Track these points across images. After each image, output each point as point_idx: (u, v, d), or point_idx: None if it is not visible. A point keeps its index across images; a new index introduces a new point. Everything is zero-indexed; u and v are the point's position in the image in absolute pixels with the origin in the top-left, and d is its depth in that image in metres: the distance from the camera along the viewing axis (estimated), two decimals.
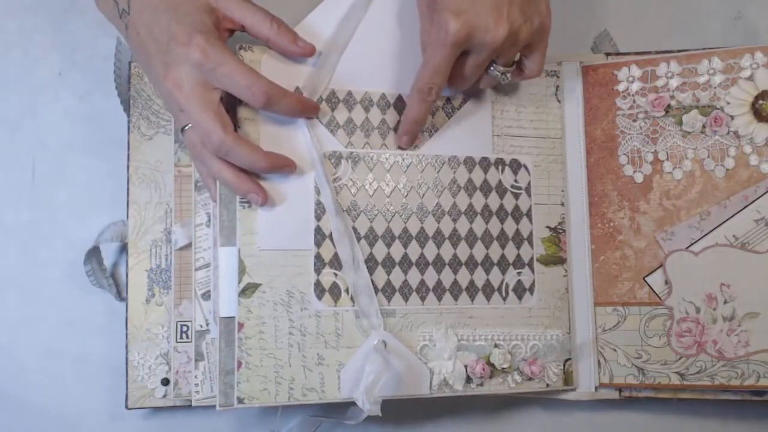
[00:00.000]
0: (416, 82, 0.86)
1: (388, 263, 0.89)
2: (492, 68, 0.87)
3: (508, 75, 0.88)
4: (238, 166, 0.83)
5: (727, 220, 0.92)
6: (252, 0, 0.85)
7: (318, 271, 0.87)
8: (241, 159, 0.82)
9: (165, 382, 0.93)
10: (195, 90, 0.80)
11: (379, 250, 0.89)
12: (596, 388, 0.95)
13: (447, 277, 0.91)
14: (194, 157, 0.84)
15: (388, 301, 0.88)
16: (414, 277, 0.90)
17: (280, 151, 0.86)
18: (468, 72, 0.86)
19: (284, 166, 0.85)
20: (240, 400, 0.84)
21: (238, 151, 0.81)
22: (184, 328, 0.92)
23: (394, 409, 0.94)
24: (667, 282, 0.93)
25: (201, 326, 0.90)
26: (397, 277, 0.89)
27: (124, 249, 0.96)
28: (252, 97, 0.81)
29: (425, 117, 0.88)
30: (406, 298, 0.89)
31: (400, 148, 0.91)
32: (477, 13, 0.80)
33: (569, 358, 0.94)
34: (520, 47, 0.85)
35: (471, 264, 0.91)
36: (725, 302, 0.91)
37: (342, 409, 0.90)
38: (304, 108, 0.86)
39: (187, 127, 0.81)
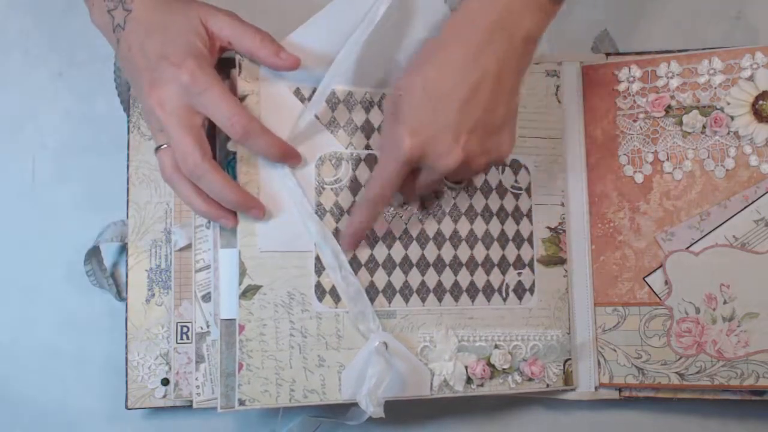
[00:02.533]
0: (367, 191, 0.85)
1: (389, 264, 0.89)
2: (444, 182, 0.89)
3: (457, 190, 0.90)
4: (207, 194, 0.82)
5: (727, 220, 0.92)
6: (240, 18, 0.85)
7: (319, 272, 0.87)
8: (212, 187, 0.81)
9: (165, 382, 0.93)
10: (177, 111, 0.79)
11: (380, 252, 0.89)
12: (596, 388, 0.95)
13: (447, 278, 0.91)
14: (165, 179, 0.83)
15: (389, 303, 0.88)
16: (414, 278, 0.90)
17: (277, 165, 0.87)
18: (419, 186, 0.86)
19: (252, 209, 0.84)
20: (241, 402, 0.84)
21: (211, 179, 0.80)
22: (185, 329, 0.91)
23: (395, 409, 0.94)
24: (666, 282, 0.93)
25: (201, 328, 0.90)
26: (397, 278, 0.89)
27: (124, 249, 0.96)
28: (231, 128, 0.80)
29: (371, 224, 0.88)
30: (406, 300, 0.89)
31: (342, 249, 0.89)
32: (434, 136, 0.79)
33: (569, 359, 0.94)
34: (472, 174, 0.86)
35: (471, 265, 0.91)
36: (725, 302, 0.91)
37: (343, 410, 0.90)
38: (283, 153, 0.85)
39: (162, 147, 0.81)
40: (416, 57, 0.83)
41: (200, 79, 0.79)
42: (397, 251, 0.89)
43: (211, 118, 0.80)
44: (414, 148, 0.79)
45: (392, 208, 0.90)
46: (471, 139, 0.80)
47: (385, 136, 0.85)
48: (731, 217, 0.92)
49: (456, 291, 0.91)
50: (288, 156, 0.85)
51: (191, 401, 0.90)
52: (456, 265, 0.91)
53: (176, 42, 0.80)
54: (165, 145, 0.81)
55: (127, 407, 0.93)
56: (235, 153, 0.86)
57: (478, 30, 0.78)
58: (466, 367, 0.90)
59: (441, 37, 0.81)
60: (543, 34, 0.82)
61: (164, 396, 0.93)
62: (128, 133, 0.95)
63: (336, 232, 0.88)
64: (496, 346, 0.91)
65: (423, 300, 0.90)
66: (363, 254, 0.89)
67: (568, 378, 0.94)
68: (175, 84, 0.79)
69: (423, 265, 0.90)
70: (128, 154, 0.95)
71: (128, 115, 0.95)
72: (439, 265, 0.91)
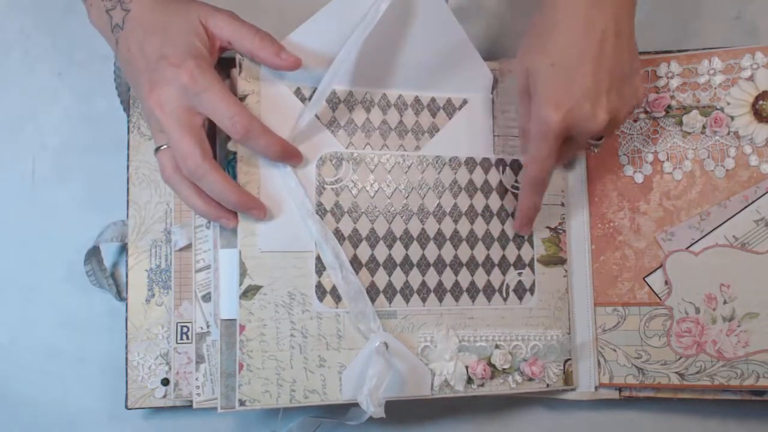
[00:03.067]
0: (527, 175, 0.87)
1: (390, 264, 0.89)
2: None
3: (600, 145, 0.93)
4: (208, 194, 0.83)
5: (727, 220, 0.92)
6: (240, 18, 0.85)
7: (319, 272, 0.87)
8: (213, 188, 0.81)
9: (165, 382, 0.93)
10: (177, 111, 0.79)
11: (381, 252, 0.89)
12: (596, 388, 0.95)
13: (448, 278, 0.91)
14: (165, 180, 0.83)
15: (389, 303, 0.89)
16: (415, 278, 0.90)
17: (278, 165, 0.87)
18: (567, 152, 0.90)
19: (253, 209, 0.85)
20: (242, 403, 0.84)
21: (212, 180, 0.81)
22: (185, 329, 0.92)
23: (395, 409, 0.94)
24: (666, 282, 0.93)
25: (201, 328, 0.90)
26: (398, 278, 0.89)
27: (123, 249, 0.97)
28: (232, 128, 0.80)
29: (540, 204, 0.91)
30: (407, 300, 0.89)
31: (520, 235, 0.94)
32: (577, 105, 0.81)
33: (569, 359, 0.94)
34: (618, 127, 0.89)
35: (472, 265, 0.92)
36: (725, 302, 0.91)
37: (343, 410, 0.90)
38: (284, 153, 0.85)
39: (162, 148, 0.82)
40: (531, 32, 0.85)
41: (200, 79, 0.79)
42: (398, 251, 0.90)
43: (211, 118, 0.80)
44: (562, 121, 0.81)
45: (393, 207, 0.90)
46: (610, 96, 0.83)
47: (526, 120, 0.86)
48: (731, 217, 0.92)
49: (456, 291, 0.91)
50: (289, 155, 0.86)
51: (191, 401, 0.90)
52: (456, 265, 0.91)
53: (175, 42, 0.80)
54: (165, 146, 0.81)
55: (127, 407, 0.93)
56: (235, 153, 0.86)
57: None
58: (467, 367, 0.90)
59: (549, 7, 0.83)
60: None
61: (164, 396, 0.93)
62: (128, 133, 0.95)
63: (336, 232, 0.88)
64: (497, 346, 0.91)
65: (423, 300, 0.90)
66: (364, 254, 0.89)
67: (568, 378, 0.94)
68: (175, 85, 0.79)
69: (423, 265, 0.90)
70: (128, 154, 0.95)
71: (128, 115, 0.96)
72: (439, 265, 0.91)
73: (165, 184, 0.85)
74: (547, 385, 0.93)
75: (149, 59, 0.80)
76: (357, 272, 0.88)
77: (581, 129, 0.82)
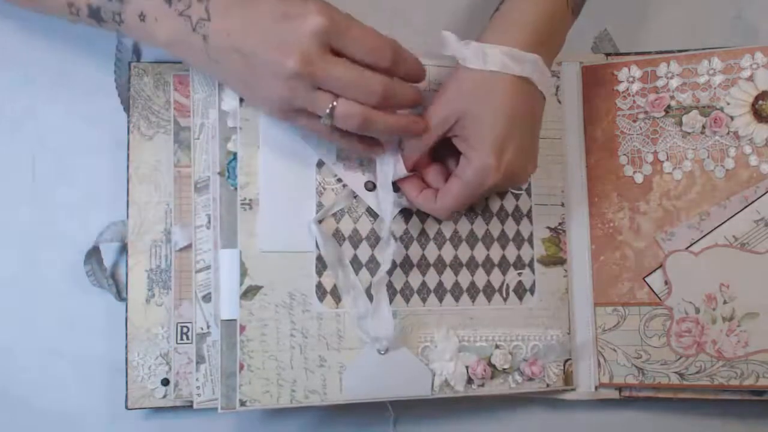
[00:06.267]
0: (440, 203, 0.87)
1: (390, 261, 0.89)
2: None
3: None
4: (401, 105, 0.83)
5: (727, 220, 0.93)
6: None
7: (319, 273, 0.88)
8: (405, 95, 0.82)
9: (165, 382, 0.93)
10: (326, 57, 0.78)
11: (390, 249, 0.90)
12: (596, 388, 0.96)
13: (448, 278, 0.92)
14: (361, 129, 0.81)
15: (389, 302, 0.89)
16: (415, 278, 0.91)
17: (280, 153, 0.88)
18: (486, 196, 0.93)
19: (416, 128, 0.85)
20: (242, 403, 0.85)
21: (401, 89, 0.81)
22: (185, 330, 0.92)
23: (395, 409, 0.96)
24: (666, 282, 0.94)
25: (202, 329, 0.91)
26: (398, 278, 0.90)
27: (123, 249, 0.97)
28: (382, 57, 0.80)
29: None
30: (407, 300, 0.91)
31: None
32: (515, 153, 0.85)
33: (569, 359, 0.95)
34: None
35: (472, 265, 0.93)
36: (725, 302, 0.92)
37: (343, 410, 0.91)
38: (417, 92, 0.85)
39: (335, 104, 0.79)
40: (473, 80, 0.84)
41: (337, 18, 0.78)
42: (398, 251, 0.90)
43: (353, 55, 0.79)
44: (500, 173, 0.84)
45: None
46: (536, 146, 0.88)
47: (461, 165, 0.86)
48: (731, 217, 0.93)
49: (457, 291, 0.92)
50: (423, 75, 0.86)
51: (191, 401, 0.91)
52: (456, 265, 0.92)
53: None
54: (335, 104, 0.79)
55: (127, 407, 0.94)
56: (235, 153, 0.87)
57: (530, 46, 0.84)
58: (467, 367, 0.91)
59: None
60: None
61: (164, 396, 0.93)
62: (128, 133, 0.96)
63: (336, 233, 0.89)
64: (497, 346, 0.92)
65: (424, 300, 0.91)
66: (363, 255, 0.90)
67: (568, 378, 0.95)
68: (315, 35, 0.76)
69: (424, 265, 0.91)
70: (128, 154, 0.96)
71: (128, 115, 0.96)
72: (439, 265, 0.92)
73: (165, 184, 0.89)
74: (547, 385, 0.94)
75: (265, 29, 0.78)
76: (357, 272, 0.89)
77: (514, 181, 0.87)
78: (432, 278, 0.92)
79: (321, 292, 0.88)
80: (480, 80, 0.83)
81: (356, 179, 0.90)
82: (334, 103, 0.78)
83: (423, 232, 0.92)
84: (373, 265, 0.90)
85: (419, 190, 0.88)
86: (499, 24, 0.85)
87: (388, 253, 0.88)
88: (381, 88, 0.78)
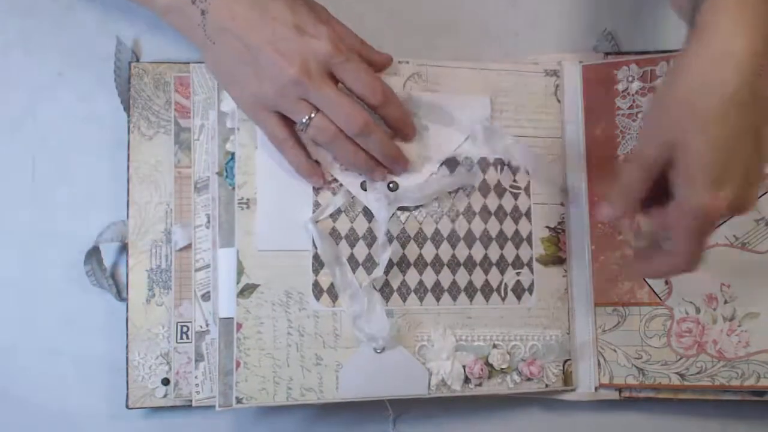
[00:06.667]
0: (673, 261, 0.77)
1: (386, 264, 0.90)
2: None
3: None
4: (369, 149, 0.88)
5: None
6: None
7: (316, 271, 0.89)
8: (377, 142, 0.86)
9: (165, 382, 0.94)
10: (326, 78, 0.83)
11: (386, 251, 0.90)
12: (596, 389, 0.96)
13: (445, 277, 0.92)
14: (327, 142, 0.86)
15: (386, 302, 0.90)
16: (412, 277, 0.91)
17: (277, 153, 0.89)
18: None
19: (401, 163, 0.91)
20: (239, 400, 0.86)
21: (379, 134, 0.86)
22: (185, 329, 0.93)
23: (394, 409, 0.96)
24: (667, 282, 0.94)
25: (201, 327, 0.92)
26: (395, 277, 0.91)
27: (123, 249, 0.97)
28: (372, 94, 0.85)
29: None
30: (404, 299, 0.91)
31: None
32: (741, 183, 0.71)
33: (569, 359, 0.95)
34: None
35: (469, 264, 0.93)
36: (725, 302, 0.92)
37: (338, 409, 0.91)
38: (409, 126, 0.92)
39: (312, 116, 0.84)
40: (676, 98, 0.72)
41: (342, 47, 0.83)
42: (395, 251, 0.91)
43: (349, 84, 0.84)
44: (723, 204, 0.70)
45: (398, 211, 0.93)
46: (760, 172, 0.73)
47: (679, 208, 0.73)
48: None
49: (454, 290, 0.92)
50: (408, 132, 0.92)
51: (191, 401, 0.92)
52: (454, 264, 0.93)
53: (300, 11, 0.84)
54: (313, 114, 0.84)
55: (127, 407, 0.94)
56: (233, 154, 0.88)
57: (748, 57, 0.70)
58: (464, 367, 0.91)
59: (700, 73, 0.71)
60: None
61: (165, 396, 0.94)
62: (129, 133, 0.97)
63: (333, 232, 0.90)
64: (495, 346, 0.92)
65: (421, 299, 0.91)
66: (360, 253, 0.91)
67: (567, 378, 0.95)
68: (318, 52, 0.82)
69: (421, 264, 0.92)
70: (128, 155, 0.97)
71: (128, 116, 0.97)
72: (437, 264, 0.92)
73: (165, 185, 0.89)
74: (546, 386, 0.94)
75: (276, 30, 0.82)
76: (354, 271, 0.90)
77: (736, 212, 0.74)
78: (429, 277, 0.92)
79: (317, 290, 0.89)
80: None
81: (352, 179, 0.91)
82: (313, 114, 0.83)
83: (420, 232, 0.92)
84: (369, 264, 0.91)
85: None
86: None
87: (384, 258, 0.90)
88: (362, 121, 0.84)
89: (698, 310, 0.93)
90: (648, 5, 1.03)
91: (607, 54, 1.00)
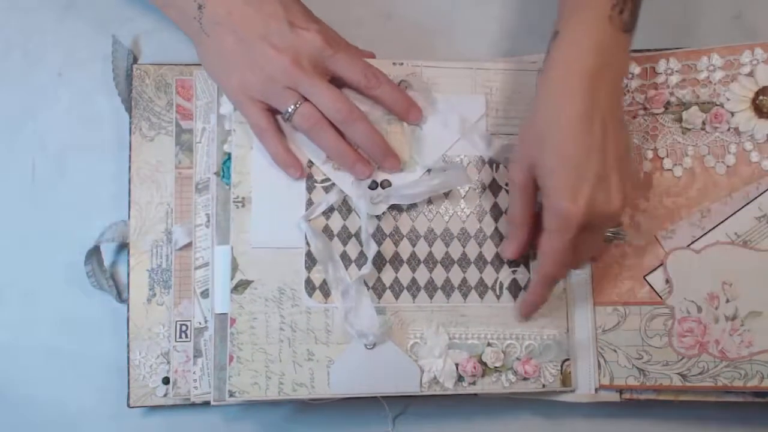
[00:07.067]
0: (542, 271, 0.90)
1: (379, 261, 0.94)
2: (607, 233, 0.93)
3: (623, 232, 0.95)
4: (355, 140, 0.92)
5: (729, 217, 0.95)
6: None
7: (309, 268, 0.92)
8: (361, 131, 0.91)
9: (166, 381, 0.97)
10: (317, 69, 0.89)
11: (370, 248, 0.93)
12: (596, 390, 0.97)
13: (439, 275, 0.95)
14: (307, 130, 0.91)
15: (379, 299, 0.94)
16: (405, 274, 0.94)
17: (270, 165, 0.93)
18: (587, 248, 0.90)
19: (390, 157, 0.93)
20: (231, 394, 0.90)
21: (363, 123, 0.91)
22: (184, 328, 0.96)
23: (393, 409, 0.97)
24: (667, 281, 0.95)
25: (200, 323, 0.95)
26: (387, 274, 0.94)
27: (122, 249, 1.00)
28: (365, 81, 0.90)
29: (548, 297, 0.94)
30: (396, 296, 0.94)
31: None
32: (592, 192, 0.83)
33: (567, 359, 0.95)
34: (626, 206, 0.90)
35: (464, 262, 0.95)
36: (727, 301, 0.93)
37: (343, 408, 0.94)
38: (409, 104, 0.94)
39: (298, 104, 0.89)
40: (532, 128, 0.86)
41: (332, 41, 0.90)
42: (388, 248, 0.94)
43: (342, 74, 0.90)
44: (580, 212, 0.83)
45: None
46: (619, 176, 0.85)
47: (525, 213, 0.90)
48: (733, 214, 0.94)
49: (448, 288, 0.95)
50: (411, 108, 0.94)
51: (189, 398, 0.95)
52: (448, 262, 0.95)
53: (292, 9, 0.90)
54: (300, 103, 0.89)
55: (128, 406, 0.97)
56: (229, 154, 0.92)
57: (581, 80, 0.83)
58: (457, 365, 0.93)
59: (546, 100, 0.85)
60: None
61: (165, 394, 0.97)
62: (130, 134, 1.00)
63: (326, 229, 0.93)
64: (489, 344, 0.94)
65: (414, 297, 0.94)
66: (353, 251, 0.94)
67: (566, 379, 0.95)
68: (310, 46, 0.88)
69: (414, 262, 0.95)
70: (130, 155, 1.00)
71: (130, 116, 1.00)
72: (430, 262, 0.95)
73: (166, 185, 0.94)
74: (543, 386, 0.95)
75: (268, 23, 0.88)
76: (347, 268, 0.93)
77: (601, 215, 0.85)
78: (422, 275, 0.95)
79: (310, 287, 0.92)
80: None
81: (344, 178, 0.94)
82: (300, 103, 0.88)
83: (413, 229, 0.95)
84: (362, 261, 0.94)
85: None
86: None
87: (370, 254, 0.92)
88: (347, 109, 0.89)
89: (700, 310, 0.94)
90: (648, 5, 1.03)
91: None
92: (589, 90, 0.83)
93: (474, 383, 0.93)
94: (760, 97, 0.94)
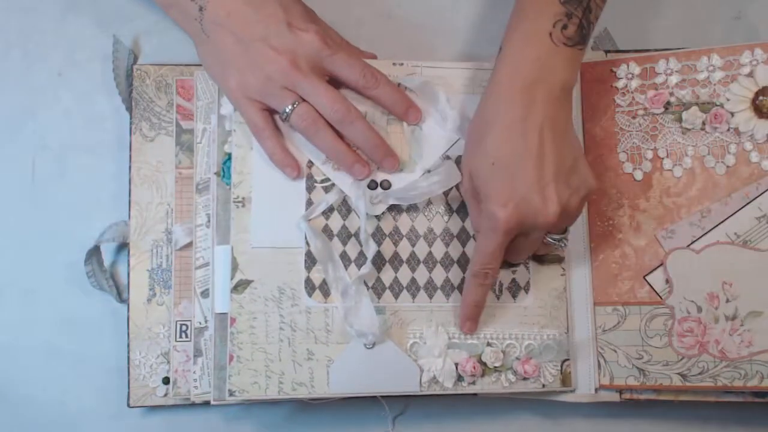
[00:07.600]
0: (471, 267, 0.92)
1: (379, 261, 0.95)
2: (547, 238, 0.93)
3: (565, 241, 0.94)
4: (353, 140, 0.93)
5: (729, 217, 0.95)
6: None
7: (308, 268, 0.93)
8: (359, 131, 0.92)
9: (166, 380, 0.97)
10: (315, 69, 0.90)
11: (370, 248, 0.94)
12: (596, 390, 0.97)
13: (438, 275, 0.96)
14: (304, 130, 0.92)
15: (378, 298, 0.94)
16: (404, 274, 0.95)
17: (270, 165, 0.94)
18: (523, 249, 0.93)
19: (389, 157, 0.94)
20: (231, 393, 0.90)
21: (361, 123, 0.92)
22: (184, 328, 0.97)
23: (392, 409, 0.97)
24: (667, 281, 0.96)
25: (200, 323, 0.96)
26: (387, 274, 0.95)
27: (122, 249, 1.01)
28: (364, 80, 0.91)
29: (484, 299, 0.94)
30: (396, 296, 0.95)
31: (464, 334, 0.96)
32: (523, 199, 0.86)
33: (567, 359, 0.96)
34: (573, 218, 0.92)
35: (463, 262, 0.96)
36: (727, 301, 0.94)
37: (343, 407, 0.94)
38: (405, 102, 0.95)
39: (296, 104, 0.90)
40: (470, 137, 0.91)
41: (330, 42, 0.91)
42: (388, 248, 0.95)
43: (341, 75, 0.92)
44: (509, 217, 0.86)
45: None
46: (557, 186, 0.87)
47: (476, 220, 0.93)
48: (732, 214, 0.95)
49: (447, 288, 0.96)
50: (411, 108, 0.96)
51: (189, 398, 0.95)
52: (447, 262, 0.96)
53: (292, 10, 0.91)
54: (296, 103, 0.90)
55: (129, 405, 0.97)
56: (230, 154, 0.93)
57: (519, 92, 0.87)
58: (456, 365, 0.94)
59: (485, 110, 0.89)
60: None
61: (165, 394, 0.97)
62: (130, 134, 1.01)
63: (326, 229, 0.93)
64: (488, 344, 0.94)
65: (413, 296, 0.95)
66: (352, 251, 0.94)
67: (566, 379, 0.96)
68: (308, 47, 0.89)
69: (413, 261, 0.96)
70: (130, 155, 1.00)
71: (131, 116, 1.01)
72: (429, 262, 0.96)
73: (166, 185, 0.95)
74: (543, 386, 0.95)
75: (268, 25, 0.89)
76: (346, 268, 0.93)
77: (532, 223, 0.87)
78: (422, 275, 0.96)
79: (310, 286, 0.93)
80: None
81: (344, 178, 0.95)
82: (297, 103, 0.89)
83: (413, 229, 0.96)
84: (361, 260, 0.95)
85: None
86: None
87: (369, 253, 0.93)
88: (345, 108, 0.90)
89: (700, 309, 0.94)
90: (648, 5, 1.04)
91: (606, 52, 1.01)
92: (526, 100, 0.86)
93: (473, 383, 0.94)
94: (760, 98, 0.94)
